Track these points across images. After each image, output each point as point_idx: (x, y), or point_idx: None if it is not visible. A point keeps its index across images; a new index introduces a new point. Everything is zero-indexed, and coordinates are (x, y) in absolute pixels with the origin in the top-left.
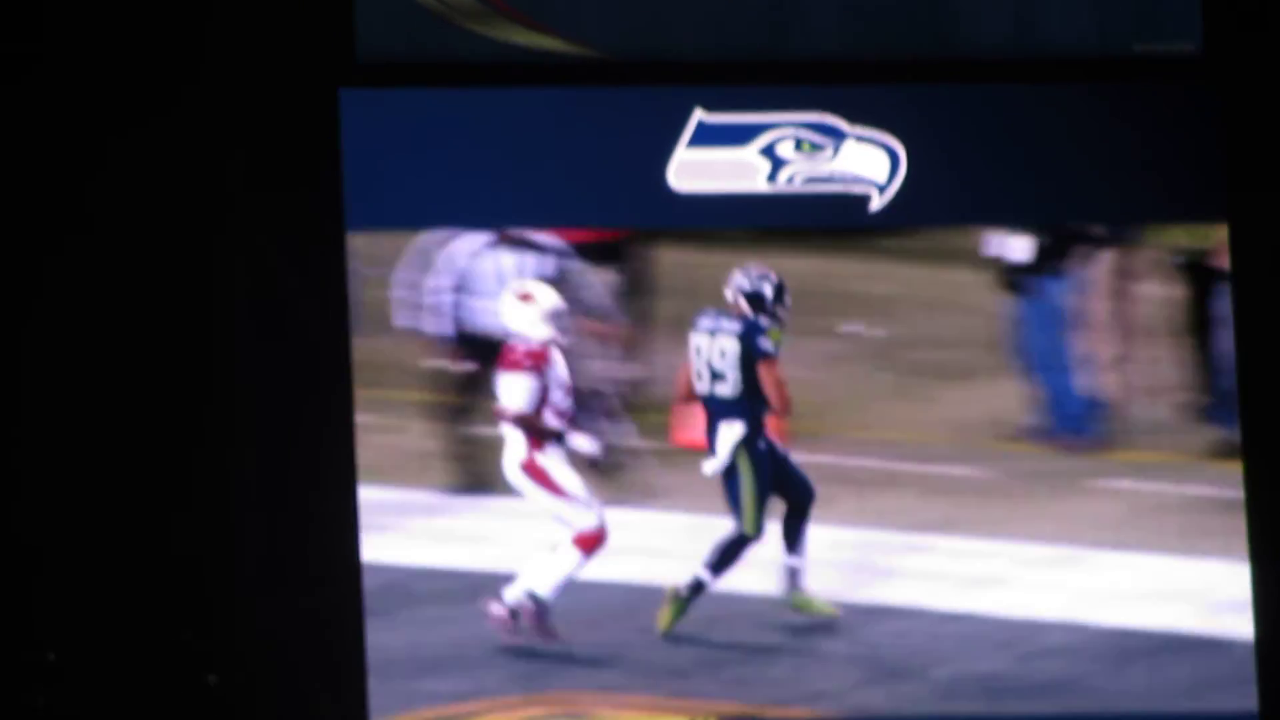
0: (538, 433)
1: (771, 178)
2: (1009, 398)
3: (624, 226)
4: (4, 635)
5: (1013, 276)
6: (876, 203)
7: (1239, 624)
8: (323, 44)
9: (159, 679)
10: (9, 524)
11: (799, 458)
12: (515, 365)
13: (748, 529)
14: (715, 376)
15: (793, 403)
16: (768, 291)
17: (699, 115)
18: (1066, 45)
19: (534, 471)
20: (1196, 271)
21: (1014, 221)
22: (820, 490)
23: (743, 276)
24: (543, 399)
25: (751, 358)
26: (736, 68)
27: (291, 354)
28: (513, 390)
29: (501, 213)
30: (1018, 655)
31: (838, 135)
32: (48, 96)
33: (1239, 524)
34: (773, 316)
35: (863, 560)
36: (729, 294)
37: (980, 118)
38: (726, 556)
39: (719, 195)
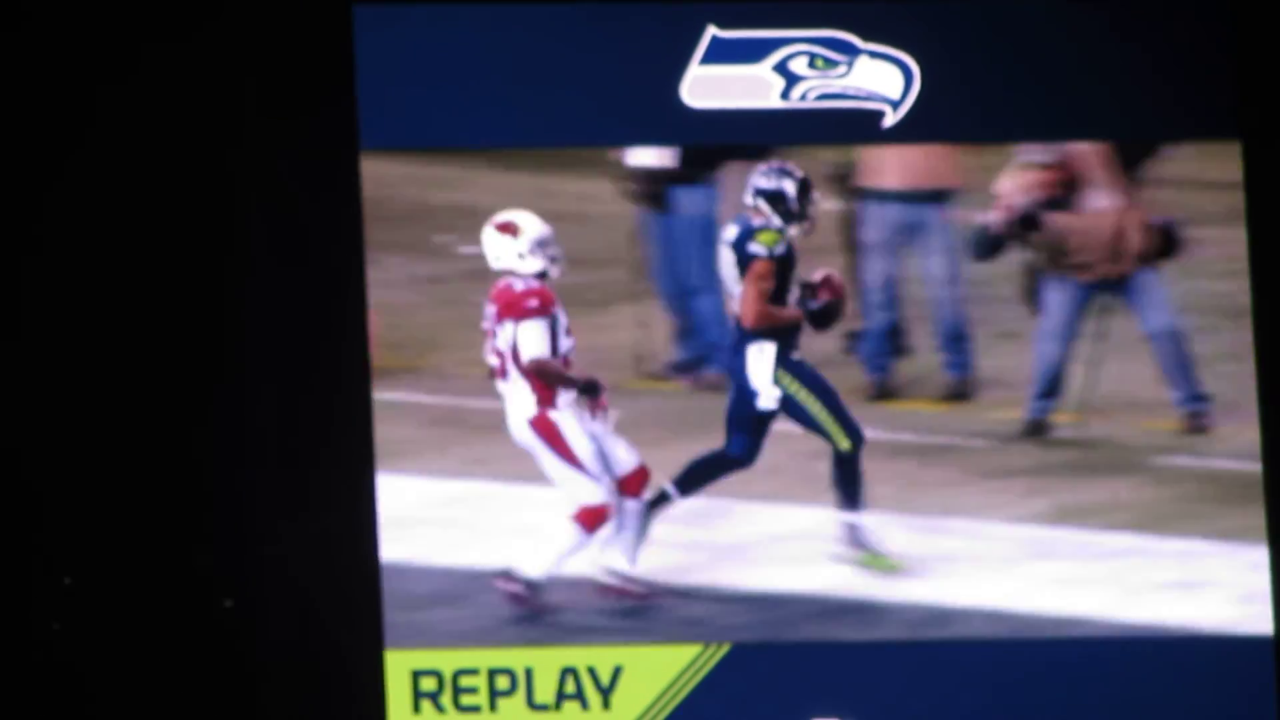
0: (556, 383)
1: (785, 94)
2: (650, 327)
3: (638, 144)
4: (19, 560)
5: (645, 186)
6: (890, 119)
7: (906, 588)
8: None
9: (175, 603)
10: (23, 448)
11: (391, 395)
12: (527, 310)
13: (843, 445)
14: (730, 293)
15: (766, 318)
16: (789, 189)
17: (712, 32)
18: None
19: (544, 428)
20: (845, 189)
21: (1027, 138)
22: (419, 435)
23: (760, 174)
24: (553, 345)
25: (746, 264)
26: None
27: (305, 275)
28: (531, 338)
29: (516, 131)
30: (653, 620)
31: (851, 51)
32: (61, 14)
33: (905, 470)
34: (800, 217)
35: (473, 519)
36: (747, 196)
37: (994, 33)
38: (847, 481)
39: (733, 112)
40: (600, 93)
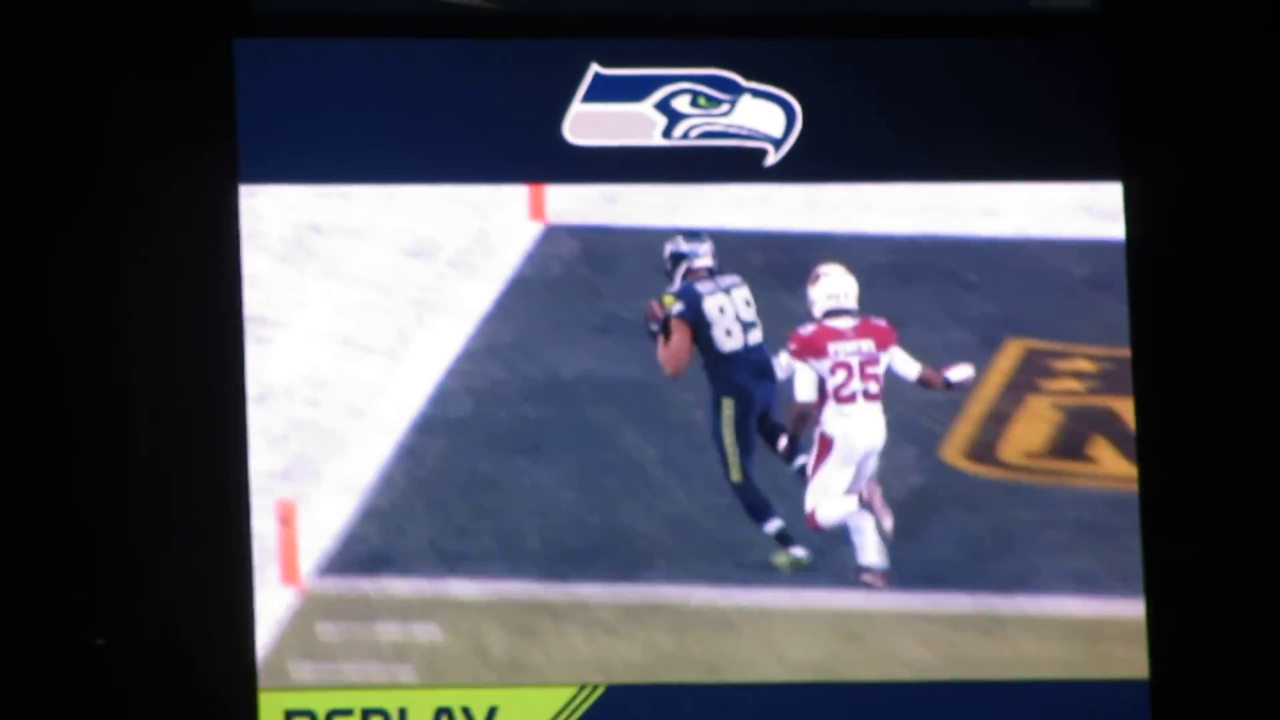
0: None
1: (667, 132)
2: None
3: (521, 181)
4: None
5: None
6: (772, 158)
7: None
8: None
9: (45, 641)
10: None
11: None
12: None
13: (733, 476)
14: (748, 326)
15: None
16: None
17: (595, 69)
18: (963, 0)
19: None
20: None
21: (909, 178)
22: None
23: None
24: None
25: None
26: (633, 21)
27: (181, 310)
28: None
29: (396, 168)
30: None
31: (734, 90)
32: None
33: None
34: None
35: None
36: (707, 258)
37: (876, 73)
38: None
39: (615, 149)
40: (482, 129)
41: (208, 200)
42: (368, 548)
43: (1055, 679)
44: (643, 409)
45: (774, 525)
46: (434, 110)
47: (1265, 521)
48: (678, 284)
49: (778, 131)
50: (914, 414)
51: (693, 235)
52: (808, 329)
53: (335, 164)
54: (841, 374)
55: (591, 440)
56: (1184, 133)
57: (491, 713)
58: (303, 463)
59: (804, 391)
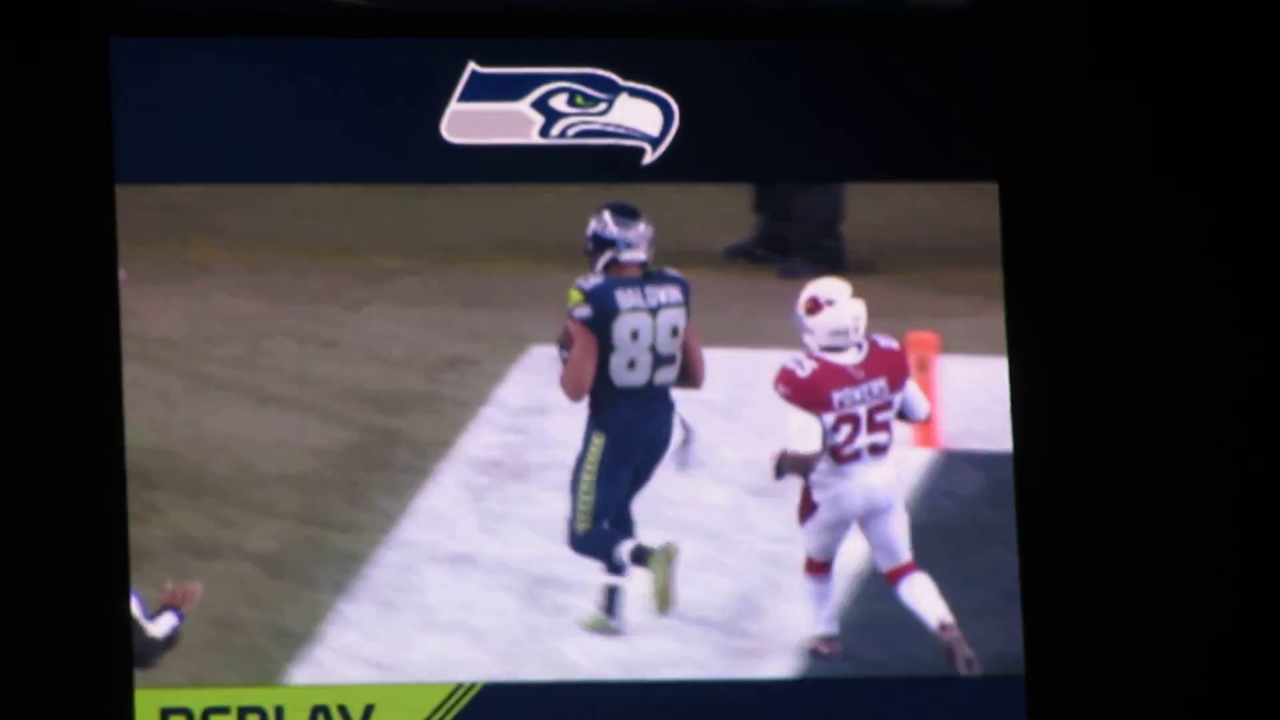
0: None
1: (545, 131)
2: None
3: (397, 181)
4: None
5: None
6: (650, 157)
7: None
8: None
9: None
10: None
11: None
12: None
13: (579, 527)
14: (662, 361)
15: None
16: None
17: (472, 67)
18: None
19: None
20: None
21: (788, 177)
22: None
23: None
24: None
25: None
26: (511, 19)
27: (52, 313)
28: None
29: (274, 167)
30: None
31: (612, 89)
32: None
33: None
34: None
35: None
36: (641, 250)
37: (754, 72)
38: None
39: (492, 148)
40: (359, 128)
41: (82, 201)
42: None
43: (932, 676)
44: None
45: (627, 546)
46: (311, 109)
47: (1138, 537)
48: (596, 277)
49: (655, 131)
50: None
51: (625, 214)
52: (805, 368)
53: (212, 163)
54: (846, 429)
55: None
56: (1061, 131)
57: (368, 711)
58: None
59: (804, 440)
